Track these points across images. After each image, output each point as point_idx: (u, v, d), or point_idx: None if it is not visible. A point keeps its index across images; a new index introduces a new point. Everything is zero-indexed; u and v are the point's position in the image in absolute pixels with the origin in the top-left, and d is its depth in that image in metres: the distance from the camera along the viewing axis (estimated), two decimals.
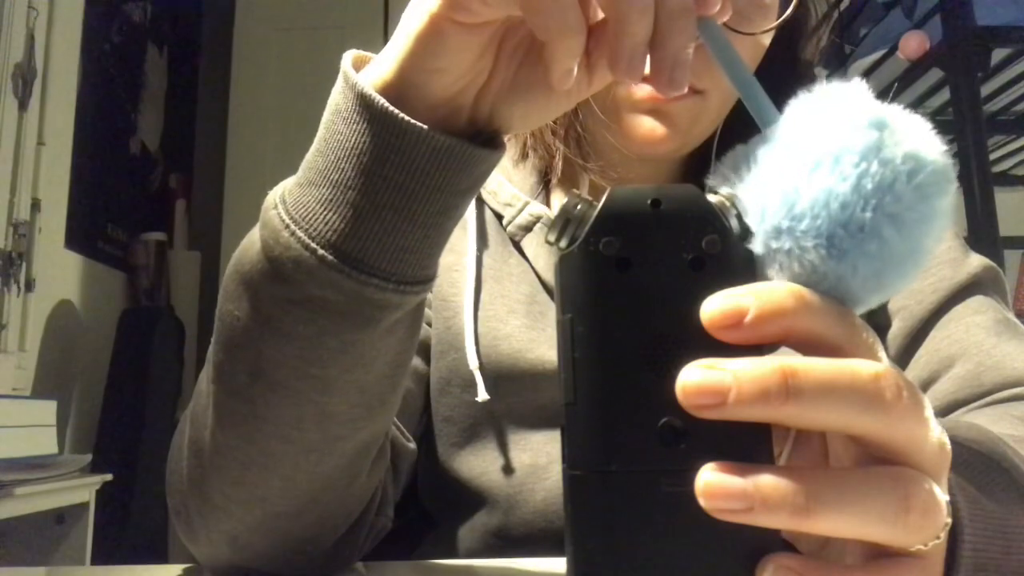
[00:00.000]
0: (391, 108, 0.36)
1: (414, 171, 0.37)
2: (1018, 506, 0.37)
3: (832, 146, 0.26)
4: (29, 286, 2.06)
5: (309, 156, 0.39)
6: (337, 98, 0.38)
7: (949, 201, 0.27)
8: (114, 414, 2.27)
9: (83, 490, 1.80)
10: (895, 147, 0.26)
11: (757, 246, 0.27)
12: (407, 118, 0.36)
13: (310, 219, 0.38)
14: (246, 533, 0.46)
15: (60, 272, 2.24)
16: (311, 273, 0.37)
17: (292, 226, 0.38)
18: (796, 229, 0.26)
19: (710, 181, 0.29)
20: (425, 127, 0.36)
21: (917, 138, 0.27)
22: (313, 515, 0.46)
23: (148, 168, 2.86)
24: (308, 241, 0.37)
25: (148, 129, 2.83)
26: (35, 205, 2.08)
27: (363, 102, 0.36)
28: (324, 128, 0.39)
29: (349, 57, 0.39)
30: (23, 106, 2.04)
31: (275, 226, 0.39)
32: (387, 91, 0.37)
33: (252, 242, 0.41)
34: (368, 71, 0.38)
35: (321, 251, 0.37)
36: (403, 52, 0.36)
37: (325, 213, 0.37)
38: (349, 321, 0.38)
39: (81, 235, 2.35)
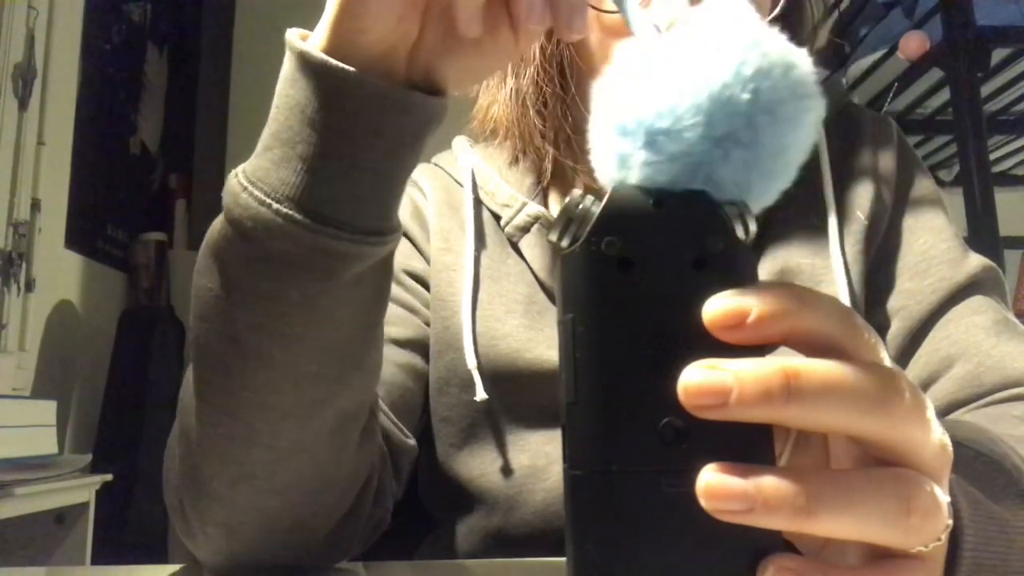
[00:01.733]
0: (327, 59, 0.38)
1: (354, 117, 0.38)
2: (1019, 507, 0.37)
3: (714, 36, 0.27)
4: (29, 286, 2.06)
5: (265, 128, 0.41)
6: (284, 67, 0.40)
7: (816, 115, 0.28)
8: (114, 414, 2.27)
9: (83, 490, 1.80)
10: (773, 43, 0.27)
11: (638, 134, 0.28)
12: (342, 65, 0.38)
13: (265, 178, 0.40)
14: (239, 519, 0.46)
15: (60, 272, 2.24)
16: (268, 228, 0.39)
17: (249, 187, 0.40)
18: (678, 107, 0.27)
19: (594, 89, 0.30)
20: (359, 71, 0.38)
21: (792, 46, 0.28)
22: (302, 493, 0.46)
23: (148, 168, 2.86)
24: (264, 198, 0.39)
25: (148, 129, 2.83)
26: (35, 205, 2.08)
27: (302, 60, 0.39)
28: (275, 97, 0.41)
29: (294, 32, 0.41)
30: (23, 106, 2.04)
31: (235, 191, 0.40)
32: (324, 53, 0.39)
33: (219, 218, 0.42)
34: (309, 40, 0.40)
35: (276, 205, 0.39)
36: (331, 16, 0.38)
37: (279, 171, 0.39)
38: (310, 274, 0.40)
39: (81, 235, 2.35)
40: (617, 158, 0.28)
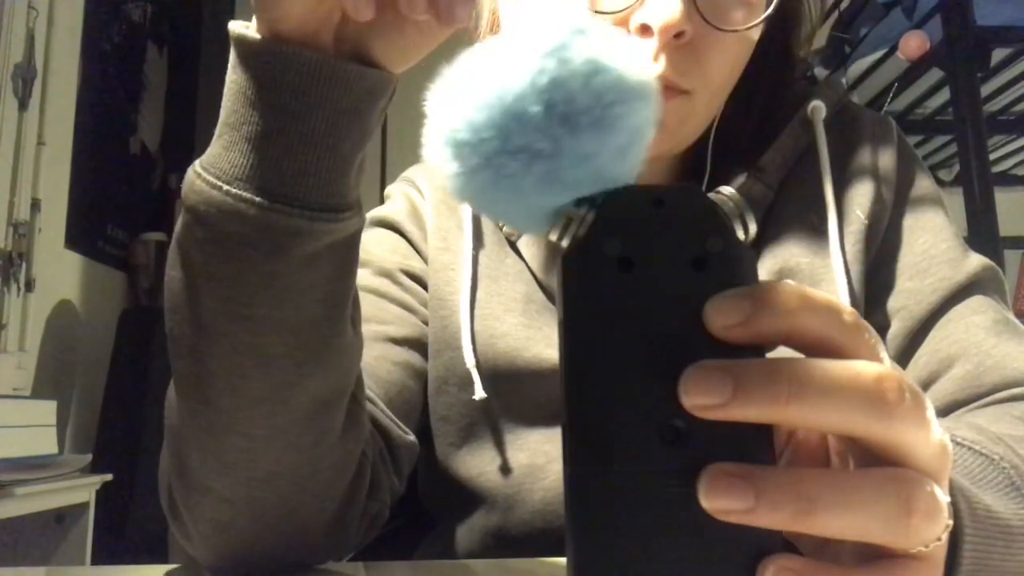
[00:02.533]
0: (258, 37, 0.39)
1: (291, 90, 0.39)
2: (1018, 506, 0.37)
3: (521, 43, 0.27)
4: (29, 286, 2.06)
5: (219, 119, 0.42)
6: (229, 58, 0.41)
7: (636, 117, 0.27)
8: (114, 414, 2.27)
9: (83, 490, 1.80)
10: (580, 49, 0.26)
11: (447, 146, 0.27)
12: (273, 42, 0.38)
13: (218, 164, 0.40)
14: (228, 512, 0.46)
15: (60, 272, 2.25)
16: (221, 210, 0.40)
17: (203, 174, 0.41)
18: (476, 121, 0.27)
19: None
20: (290, 47, 0.38)
21: (611, 48, 0.27)
22: (287, 482, 0.46)
23: (148, 168, 2.86)
24: (215, 181, 0.40)
25: (148, 129, 2.83)
26: (35, 205, 2.08)
27: (238, 42, 0.39)
28: (224, 89, 0.41)
29: (236, 23, 0.41)
30: (23, 106, 2.04)
31: (191, 180, 0.41)
32: None
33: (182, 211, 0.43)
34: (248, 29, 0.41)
35: (227, 187, 0.40)
36: (254, 7, 0.39)
37: (229, 155, 0.40)
38: (263, 252, 0.40)
39: (81, 235, 2.35)
40: (438, 167, 0.28)
